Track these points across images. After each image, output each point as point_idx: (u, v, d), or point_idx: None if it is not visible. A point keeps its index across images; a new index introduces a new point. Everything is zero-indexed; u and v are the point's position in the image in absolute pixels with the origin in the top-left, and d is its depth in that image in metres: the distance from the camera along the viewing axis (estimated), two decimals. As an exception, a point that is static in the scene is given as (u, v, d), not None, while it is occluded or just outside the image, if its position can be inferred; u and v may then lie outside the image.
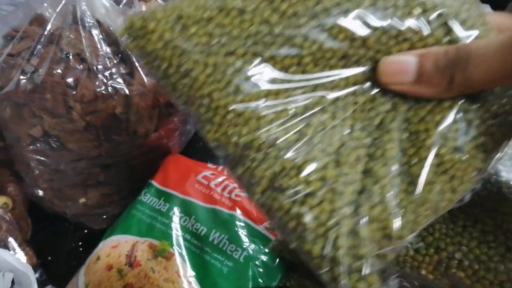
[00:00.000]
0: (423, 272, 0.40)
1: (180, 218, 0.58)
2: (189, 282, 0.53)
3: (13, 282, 0.51)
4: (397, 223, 0.25)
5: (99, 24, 0.59)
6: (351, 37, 0.27)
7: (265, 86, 0.28)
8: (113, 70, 0.58)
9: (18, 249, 0.61)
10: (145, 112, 0.60)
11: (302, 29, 0.28)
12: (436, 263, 0.36)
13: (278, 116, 0.27)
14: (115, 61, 0.58)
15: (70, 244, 0.68)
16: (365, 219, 0.25)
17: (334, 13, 0.28)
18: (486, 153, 0.26)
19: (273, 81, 0.28)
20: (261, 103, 0.28)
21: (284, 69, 0.28)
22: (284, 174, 0.26)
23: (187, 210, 0.59)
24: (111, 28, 0.59)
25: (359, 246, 0.25)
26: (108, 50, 0.58)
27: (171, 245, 0.56)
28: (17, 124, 0.61)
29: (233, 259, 0.54)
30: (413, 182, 0.26)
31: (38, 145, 0.61)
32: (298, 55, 0.28)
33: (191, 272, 0.54)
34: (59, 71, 0.57)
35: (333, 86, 0.28)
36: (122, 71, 0.58)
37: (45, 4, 0.59)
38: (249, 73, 0.28)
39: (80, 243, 0.68)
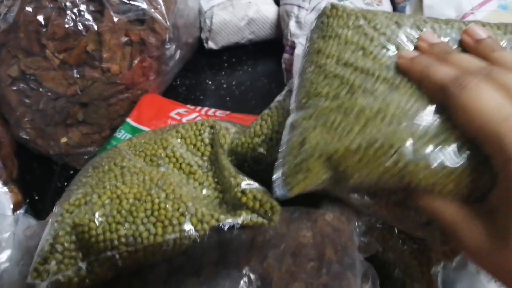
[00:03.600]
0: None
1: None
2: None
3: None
4: None
5: (68, -38, 0.60)
6: None
7: None
8: (82, 7, 0.59)
9: (2, 186, 0.64)
10: (117, 49, 0.62)
11: None
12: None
13: None
14: (84, -1, 0.60)
15: (56, 184, 0.71)
16: None
17: None
18: None
19: None
20: None
21: None
22: None
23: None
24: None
25: None
26: (77, -13, 0.59)
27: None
28: (-3, 65, 0.63)
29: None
30: None
31: (18, 85, 0.63)
32: None
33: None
34: (30, 9, 0.59)
35: None
36: (92, 8, 0.60)
37: None
38: None
39: (66, 183, 0.71)
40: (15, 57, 0.61)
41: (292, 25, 0.73)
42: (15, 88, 0.63)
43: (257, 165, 0.50)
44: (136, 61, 0.64)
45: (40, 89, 0.62)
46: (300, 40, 0.72)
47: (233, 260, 0.41)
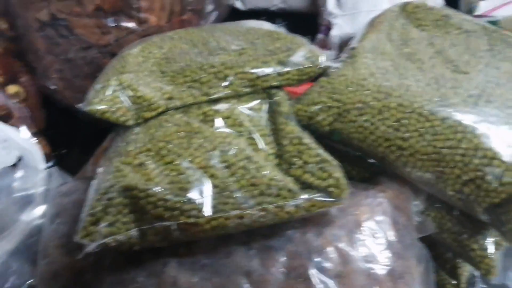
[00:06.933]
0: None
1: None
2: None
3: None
4: None
5: None
6: None
7: None
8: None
9: (32, 137, 0.61)
10: (157, -2, 0.57)
11: None
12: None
13: None
14: None
15: (83, 139, 0.68)
16: None
17: None
18: None
19: None
20: None
21: None
22: None
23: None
24: None
25: None
26: None
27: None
28: (25, 8, 0.59)
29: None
30: None
31: (47, 31, 0.59)
32: None
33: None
34: None
35: None
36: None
37: None
38: None
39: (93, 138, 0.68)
40: (45, 0, 0.57)
41: (331, 2, 0.67)
42: (42, 34, 0.59)
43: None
44: (175, 13, 0.59)
45: (71, 37, 0.58)
46: (338, 20, 0.65)
47: (286, 232, 0.38)
